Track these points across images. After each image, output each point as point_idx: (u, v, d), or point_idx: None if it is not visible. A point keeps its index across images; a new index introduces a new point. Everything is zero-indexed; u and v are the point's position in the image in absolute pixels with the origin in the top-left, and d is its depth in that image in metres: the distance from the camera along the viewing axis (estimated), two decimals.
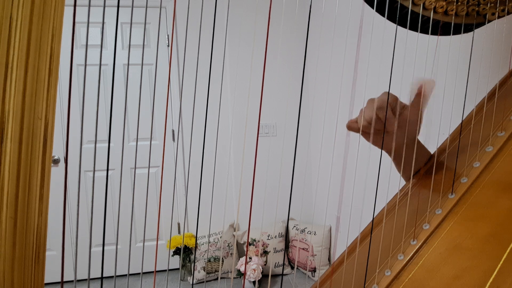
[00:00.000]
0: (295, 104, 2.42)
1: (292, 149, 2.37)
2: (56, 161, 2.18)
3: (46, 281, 2.11)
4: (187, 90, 2.29)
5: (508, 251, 0.36)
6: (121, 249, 2.29)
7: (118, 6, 0.31)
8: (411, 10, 0.46)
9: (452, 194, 0.45)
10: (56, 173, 2.18)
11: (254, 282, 1.98)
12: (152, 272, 2.30)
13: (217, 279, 2.16)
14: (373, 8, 0.46)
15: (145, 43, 2.28)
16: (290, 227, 2.28)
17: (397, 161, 0.56)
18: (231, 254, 2.20)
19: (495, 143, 0.47)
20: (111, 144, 2.24)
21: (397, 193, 0.51)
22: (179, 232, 2.37)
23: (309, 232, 2.17)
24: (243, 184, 2.34)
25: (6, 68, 0.28)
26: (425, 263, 0.40)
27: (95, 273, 2.26)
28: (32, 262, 0.30)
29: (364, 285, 0.43)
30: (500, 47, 0.69)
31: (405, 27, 0.48)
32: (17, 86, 0.29)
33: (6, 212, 0.29)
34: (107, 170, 0.38)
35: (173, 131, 2.31)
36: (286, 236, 2.31)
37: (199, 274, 2.12)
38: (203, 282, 2.13)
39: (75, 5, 0.31)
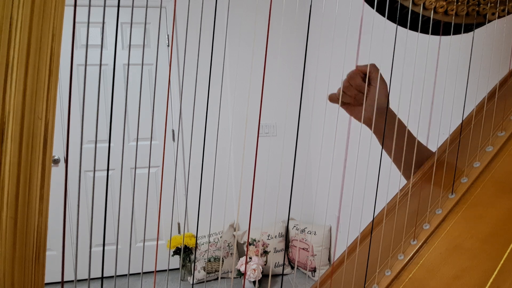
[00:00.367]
0: (295, 104, 2.42)
1: (292, 149, 2.37)
2: (56, 161, 2.18)
3: (46, 281, 2.11)
4: (187, 90, 2.29)
5: (508, 251, 0.36)
6: (121, 249, 2.29)
7: (118, 6, 0.31)
8: (411, 10, 0.46)
9: (452, 194, 0.45)
10: (56, 173, 2.18)
11: (254, 282, 1.98)
12: (152, 272, 2.30)
13: (217, 279, 2.16)
14: (373, 8, 0.46)
15: (145, 43, 2.28)
16: (290, 227, 2.28)
17: (397, 162, 0.56)
18: (231, 254, 2.20)
19: (495, 143, 0.47)
20: (111, 144, 2.24)
21: (397, 193, 0.51)
22: (179, 232, 2.37)
23: (309, 232, 2.17)
24: (243, 184, 2.34)
25: (6, 68, 0.28)
26: (425, 263, 0.40)
27: (95, 273, 2.26)
28: (33, 262, 0.30)
29: (364, 285, 0.43)
30: (500, 47, 0.69)
31: (405, 27, 0.48)
32: (17, 86, 0.29)
33: (6, 212, 0.29)
34: (107, 170, 0.38)
35: (173, 131, 2.31)
36: (286, 236, 2.31)
37: (199, 274, 2.12)
38: (203, 282, 2.13)
39: (75, 5, 0.31)
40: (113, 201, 2.29)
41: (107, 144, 2.26)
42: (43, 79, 0.30)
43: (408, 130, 0.56)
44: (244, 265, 2.07)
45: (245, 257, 2.25)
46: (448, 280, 0.36)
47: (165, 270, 2.32)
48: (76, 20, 2.21)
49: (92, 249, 2.05)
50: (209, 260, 2.13)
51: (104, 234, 0.33)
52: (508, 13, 0.48)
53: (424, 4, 0.45)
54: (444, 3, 0.45)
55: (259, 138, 2.32)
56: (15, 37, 0.28)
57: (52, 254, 2.21)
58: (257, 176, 2.35)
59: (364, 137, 1.53)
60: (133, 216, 2.05)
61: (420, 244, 0.42)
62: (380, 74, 0.53)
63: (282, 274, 2.24)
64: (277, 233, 2.22)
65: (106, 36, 2.21)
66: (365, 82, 0.53)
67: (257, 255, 2.10)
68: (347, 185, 1.76)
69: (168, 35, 2.30)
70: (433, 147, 0.57)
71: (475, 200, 0.43)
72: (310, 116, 2.42)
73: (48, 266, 2.18)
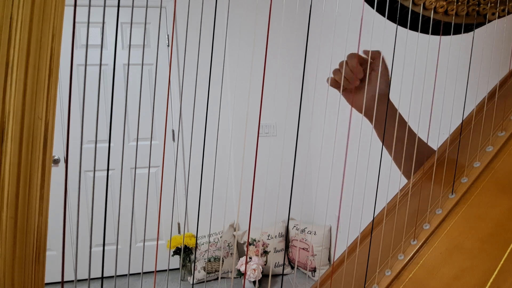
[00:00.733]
0: (295, 104, 2.42)
1: (292, 149, 2.37)
2: (56, 161, 2.18)
3: (46, 281, 2.11)
4: (187, 90, 2.29)
5: (508, 251, 0.36)
6: (121, 249, 2.29)
7: (118, 6, 0.31)
8: (411, 10, 0.46)
9: (452, 194, 0.45)
10: (56, 173, 2.18)
11: (254, 282, 1.98)
12: (152, 272, 2.30)
13: (217, 279, 2.16)
14: (373, 8, 0.46)
15: (145, 43, 2.28)
16: (290, 227, 2.28)
17: (397, 160, 0.56)
18: (231, 254, 2.20)
19: (495, 143, 0.47)
20: (111, 144, 2.24)
21: (397, 193, 0.51)
22: (179, 232, 2.37)
23: (309, 232, 2.17)
24: (243, 184, 2.34)
25: (6, 68, 0.28)
26: (425, 263, 0.40)
27: (95, 273, 2.26)
28: (33, 262, 0.30)
29: (365, 285, 0.43)
30: (500, 47, 0.69)
31: (406, 27, 0.48)
32: (17, 86, 0.29)
33: (7, 212, 0.29)
34: (107, 170, 0.38)
35: (173, 131, 2.31)
36: (286, 236, 2.31)
37: (199, 274, 2.12)
38: (203, 282, 2.13)
39: (75, 5, 0.31)
40: (113, 201, 2.29)
41: (107, 144, 2.26)
42: (43, 79, 0.30)
43: (409, 126, 0.56)
44: (244, 265, 2.07)
45: (245, 257, 2.25)
46: (448, 280, 0.36)
47: (165, 270, 2.32)
48: (76, 20, 2.21)
49: (92, 249, 2.05)
50: (209, 260, 2.13)
51: (104, 234, 0.33)
52: (508, 13, 0.48)
53: (424, 4, 0.45)
54: (444, 3, 0.45)
55: (259, 138, 2.32)
56: (15, 37, 0.28)
57: (52, 254, 2.21)
58: (257, 176, 2.35)
59: (364, 137, 1.53)
60: (133, 216, 2.05)
61: (420, 244, 0.42)
62: (383, 60, 0.52)
63: (282, 274, 2.24)
64: (277, 233, 2.22)
65: (106, 36, 2.21)
66: (363, 67, 0.52)
67: (257, 255, 2.10)
68: (347, 185, 1.76)
69: (168, 35, 2.30)
70: (433, 147, 0.57)
71: (475, 200, 0.43)
72: (310, 116, 2.42)
73: (48, 266, 2.18)
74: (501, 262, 0.35)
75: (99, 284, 2.18)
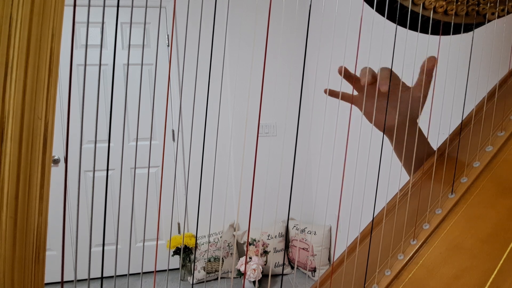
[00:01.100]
0: (295, 104, 2.42)
1: (292, 149, 2.37)
2: (56, 161, 2.18)
3: (46, 281, 2.11)
4: (187, 90, 2.29)
5: (508, 251, 0.36)
6: (121, 249, 2.29)
7: (118, 6, 0.31)
8: (411, 10, 0.46)
9: (452, 194, 0.45)
10: (56, 173, 2.18)
11: (254, 282, 1.98)
12: (152, 272, 2.30)
13: (217, 279, 2.16)
14: (373, 8, 0.46)
15: (145, 43, 2.28)
16: (290, 227, 2.28)
17: (397, 149, 0.55)
18: (231, 254, 2.20)
19: (495, 143, 0.47)
20: (111, 144, 2.24)
21: (397, 193, 0.51)
22: (179, 232, 2.37)
23: (309, 232, 2.17)
24: (243, 184, 2.34)
25: (6, 68, 0.28)
26: (425, 263, 0.40)
27: (95, 273, 2.26)
28: (32, 262, 0.30)
29: (364, 285, 0.43)
30: (500, 47, 0.69)
31: (405, 27, 0.48)
32: (17, 86, 0.29)
33: (6, 212, 0.29)
34: (107, 170, 0.38)
35: (173, 131, 2.31)
36: (286, 236, 2.31)
37: (199, 274, 2.12)
38: (203, 282, 2.13)
39: (75, 5, 0.31)
40: (113, 201, 2.29)
41: (107, 144, 2.26)
42: (43, 79, 0.30)
43: (422, 132, 0.54)
44: (244, 265, 2.07)
45: (245, 257, 2.25)
46: (448, 280, 0.37)
47: (165, 270, 2.32)
48: (76, 20, 2.21)
49: (92, 249, 2.05)
50: (209, 260, 2.13)
51: (104, 234, 0.33)
52: (508, 13, 0.48)
53: (423, 4, 0.45)
54: (444, 3, 0.45)
55: (259, 138, 2.32)
56: (14, 37, 0.28)
57: (52, 254, 2.21)
58: (257, 176, 2.35)
59: (364, 137, 1.53)
60: (133, 216, 2.05)
61: (420, 244, 0.42)
62: (425, 69, 0.45)
63: (282, 274, 2.24)
64: (277, 233, 2.22)
65: (106, 36, 2.21)
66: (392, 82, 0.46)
67: (257, 255, 2.10)
68: (347, 185, 1.76)
69: (168, 35, 2.30)
70: (433, 146, 0.57)
71: (475, 200, 0.43)
72: (310, 116, 2.42)
73: (48, 266, 2.18)
74: (501, 262, 0.35)
75: (99, 284, 2.18)
